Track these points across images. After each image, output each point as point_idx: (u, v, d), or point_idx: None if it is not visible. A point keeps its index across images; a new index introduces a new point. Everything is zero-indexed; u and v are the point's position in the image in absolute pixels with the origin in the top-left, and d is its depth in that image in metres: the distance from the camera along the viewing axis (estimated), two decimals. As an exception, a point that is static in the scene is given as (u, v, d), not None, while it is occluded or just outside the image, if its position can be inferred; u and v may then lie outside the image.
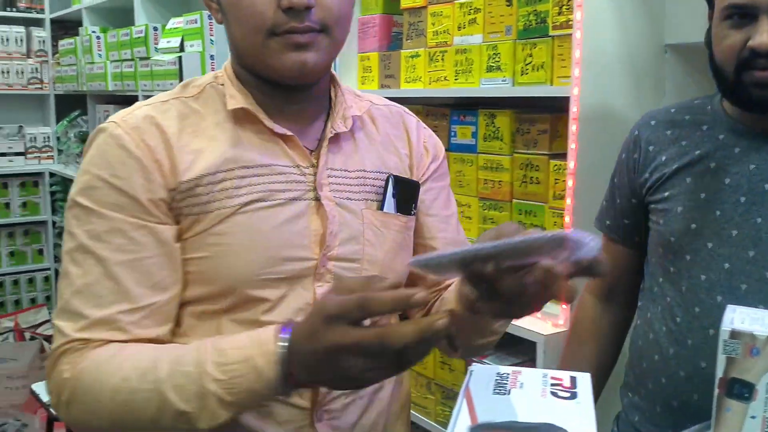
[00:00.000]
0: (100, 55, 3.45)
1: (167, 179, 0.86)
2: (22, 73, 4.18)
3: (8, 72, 4.14)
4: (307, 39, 0.84)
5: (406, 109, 1.09)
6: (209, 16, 2.49)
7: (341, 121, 0.95)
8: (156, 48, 2.93)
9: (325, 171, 0.93)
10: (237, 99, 0.90)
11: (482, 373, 0.69)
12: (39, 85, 4.24)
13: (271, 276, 0.88)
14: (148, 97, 3.29)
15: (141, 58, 3.03)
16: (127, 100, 3.57)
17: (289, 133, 0.91)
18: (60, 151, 4.27)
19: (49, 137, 4.30)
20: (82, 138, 3.87)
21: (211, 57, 2.53)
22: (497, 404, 0.62)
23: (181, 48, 2.67)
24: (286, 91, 0.91)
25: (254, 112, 0.90)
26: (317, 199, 0.92)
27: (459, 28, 1.79)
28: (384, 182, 0.98)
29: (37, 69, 4.22)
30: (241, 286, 0.87)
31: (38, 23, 4.29)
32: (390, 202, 0.97)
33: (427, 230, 1.04)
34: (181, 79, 2.64)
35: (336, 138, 0.95)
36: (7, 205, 4.19)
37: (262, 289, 0.88)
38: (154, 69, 2.89)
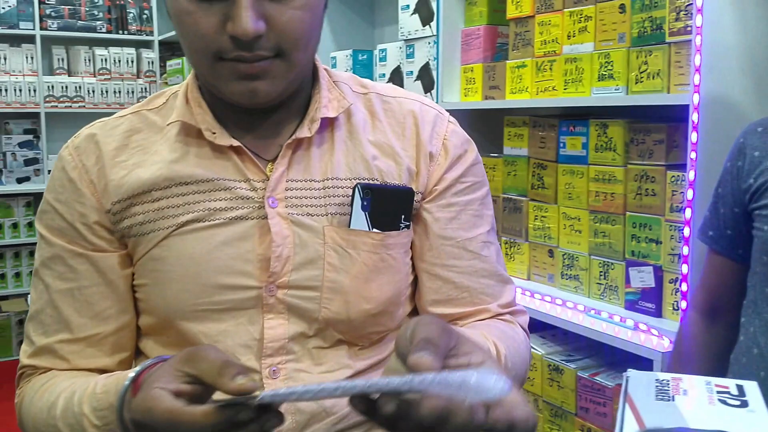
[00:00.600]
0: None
1: (101, 200, 0.81)
2: (132, 92, 4.40)
3: (120, 91, 4.36)
4: (257, 69, 0.73)
5: (428, 101, 0.92)
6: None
7: (308, 124, 0.82)
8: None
9: (282, 183, 0.81)
10: (178, 111, 0.82)
11: (639, 379, 0.66)
12: (147, 104, 4.45)
13: (208, 307, 0.79)
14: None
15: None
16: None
17: (235, 143, 0.80)
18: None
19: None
20: (187, 154, 4.03)
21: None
22: (663, 410, 0.59)
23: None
24: (242, 108, 0.81)
25: (195, 124, 0.81)
26: (265, 217, 0.80)
27: (568, 36, 1.75)
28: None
29: (145, 88, 4.44)
30: (176, 318, 0.80)
31: (148, 45, 4.51)
32: (359, 216, 0.82)
33: (436, 255, 0.86)
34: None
35: (299, 144, 0.82)
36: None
37: (200, 322, 0.79)
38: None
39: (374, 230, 0.82)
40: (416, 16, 2.20)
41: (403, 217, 0.84)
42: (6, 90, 4.02)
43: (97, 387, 0.72)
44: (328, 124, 0.84)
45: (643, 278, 1.59)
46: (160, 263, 0.80)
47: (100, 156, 0.82)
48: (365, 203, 0.82)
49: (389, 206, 0.83)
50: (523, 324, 0.91)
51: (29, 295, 0.85)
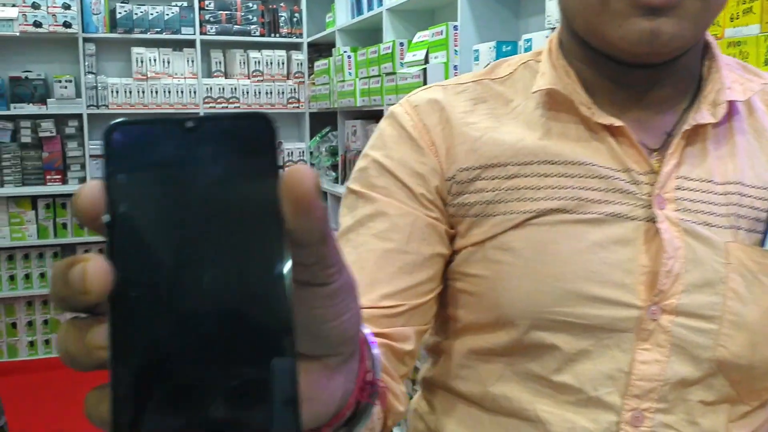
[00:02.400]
0: (350, 73, 3.66)
1: (443, 164, 0.70)
2: (283, 93, 4.58)
3: (271, 93, 4.56)
4: (663, 0, 0.58)
5: None
6: (455, 27, 2.52)
7: (708, 108, 0.66)
8: (402, 63, 3.03)
9: (672, 180, 0.66)
10: (546, 77, 0.69)
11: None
12: (296, 104, 4.62)
13: (569, 319, 0.65)
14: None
15: (387, 74, 3.16)
16: (373, 115, 3.74)
17: (617, 123, 0.66)
18: (312, 165, 4.60)
19: (303, 152, 4.66)
20: (332, 152, 4.13)
21: (455, 67, 2.55)
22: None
23: (426, 60, 2.73)
24: (627, 68, 0.67)
25: (567, 94, 0.68)
26: (652, 220, 0.65)
27: (731, 19, 1.61)
28: None
29: (295, 89, 4.60)
30: (521, 322, 0.66)
31: (297, 47, 4.67)
32: None
33: None
34: (425, 91, 2.70)
35: (696, 133, 0.67)
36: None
37: (553, 332, 0.65)
38: (399, 83, 2.99)
39: None
40: (562, 4, 2.11)
41: None
42: (169, 92, 4.32)
43: None
44: (729, 112, 0.68)
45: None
46: (510, 254, 0.66)
47: (445, 117, 0.71)
48: None
49: None
50: None
51: None
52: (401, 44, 3.08)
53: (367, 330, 0.48)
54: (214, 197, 0.32)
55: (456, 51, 2.54)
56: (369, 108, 3.46)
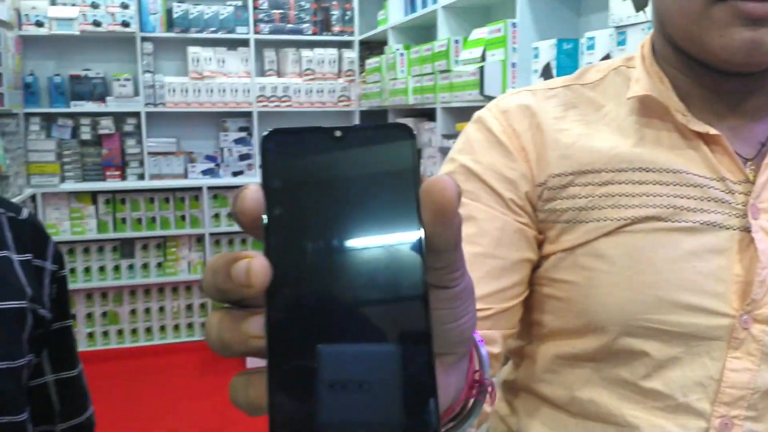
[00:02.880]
0: (402, 71, 3.67)
1: (534, 170, 0.71)
2: (333, 91, 4.62)
3: (322, 91, 4.60)
4: (765, 10, 0.58)
5: None
6: (513, 24, 2.51)
7: None
8: (457, 60, 3.03)
9: (767, 191, 0.66)
10: (641, 83, 0.69)
11: None
12: (347, 102, 4.66)
13: (660, 327, 0.65)
14: (446, 109, 3.36)
15: (441, 72, 3.16)
16: (425, 113, 3.75)
17: (712, 131, 0.66)
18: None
19: (353, 149, 4.69)
20: (383, 149, 4.15)
21: (513, 65, 2.54)
22: None
23: (483, 58, 2.73)
24: (723, 77, 0.66)
25: (662, 100, 0.68)
26: (746, 229, 0.65)
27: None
28: None
29: (345, 87, 4.64)
30: (613, 329, 0.67)
31: (348, 45, 4.71)
32: None
33: None
34: (481, 90, 2.70)
35: None
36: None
37: (644, 340, 0.66)
38: (454, 81, 2.99)
39: None
40: (629, 0, 2.09)
41: None
42: (224, 90, 4.40)
43: None
44: None
45: None
46: (602, 261, 0.67)
47: (536, 123, 0.72)
48: None
49: None
50: None
51: None
52: (456, 42, 3.08)
53: None
54: (361, 201, 0.34)
55: (514, 48, 2.53)
56: (421, 106, 3.47)
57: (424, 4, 3.50)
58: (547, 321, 0.73)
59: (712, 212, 0.66)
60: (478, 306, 0.67)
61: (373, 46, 4.64)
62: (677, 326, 0.65)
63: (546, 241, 0.71)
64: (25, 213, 0.92)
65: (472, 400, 0.46)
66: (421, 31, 3.89)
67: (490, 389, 0.49)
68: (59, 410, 0.95)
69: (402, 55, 3.68)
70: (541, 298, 0.73)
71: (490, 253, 0.70)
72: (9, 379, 0.83)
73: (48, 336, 0.92)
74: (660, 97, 0.68)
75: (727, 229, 0.65)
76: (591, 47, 2.23)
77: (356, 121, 4.68)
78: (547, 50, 2.35)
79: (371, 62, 4.24)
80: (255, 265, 0.31)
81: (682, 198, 0.66)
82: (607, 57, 2.16)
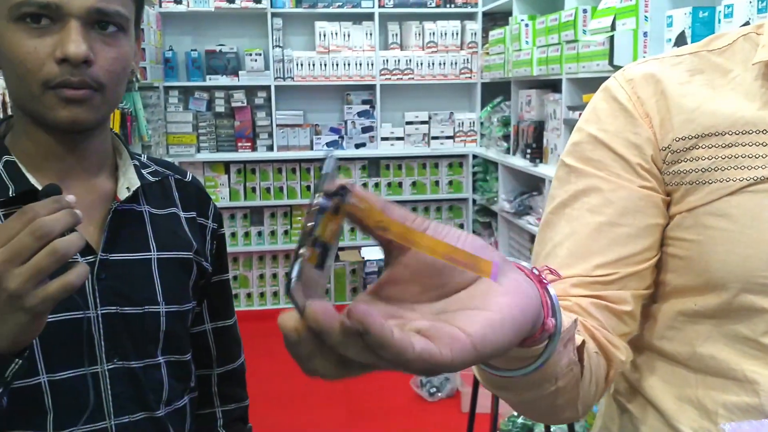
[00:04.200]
0: (527, 42, 3.62)
1: (658, 135, 0.73)
2: (455, 63, 4.62)
3: (444, 63, 4.61)
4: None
5: None
6: (645, -8, 2.42)
7: None
8: (584, 30, 2.96)
9: None
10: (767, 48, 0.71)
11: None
12: (468, 75, 4.64)
13: None
14: (572, 80, 3.28)
15: (567, 42, 3.09)
16: (549, 84, 3.68)
17: None
18: (482, 135, 4.62)
19: (473, 122, 4.68)
20: (504, 122, 4.12)
21: (644, 34, 2.45)
22: None
23: (612, 27, 2.65)
24: None
25: None
26: None
27: None
28: None
29: (467, 60, 4.62)
30: (734, 286, 0.68)
31: (471, 17, 4.68)
32: None
33: None
34: (611, 61, 2.63)
35: None
36: (437, 183, 4.69)
37: (763, 296, 0.67)
38: (581, 51, 2.92)
39: None
40: (772, -36, 1.96)
41: None
42: (348, 64, 4.50)
43: None
44: None
45: None
46: (724, 220, 0.69)
47: (660, 89, 0.74)
48: None
49: None
50: None
51: (537, 237, 0.80)
52: (584, 11, 3.00)
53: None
54: None
55: (646, 17, 2.44)
56: (546, 77, 3.41)
57: (551, -27, 3.42)
58: (670, 279, 0.75)
59: None
60: (605, 271, 0.72)
61: (496, 18, 4.59)
62: None
63: (671, 203, 0.74)
64: (189, 176, 1.02)
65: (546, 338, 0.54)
66: (547, 1, 3.81)
67: (561, 331, 0.54)
68: (215, 356, 1.05)
69: (527, 25, 3.62)
70: (664, 257, 0.75)
71: (614, 222, 0.73)
72: (177, 321, 0.93)
73: (208, 287, 1.01)
74: None
75: None
76: (729, 15, 2.12)
77: (478, 93, 4.66)
78: (681, 19, 2.25)
79: (494, 33, 4.20)
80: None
81: None
82: (746, 25, 2.04)
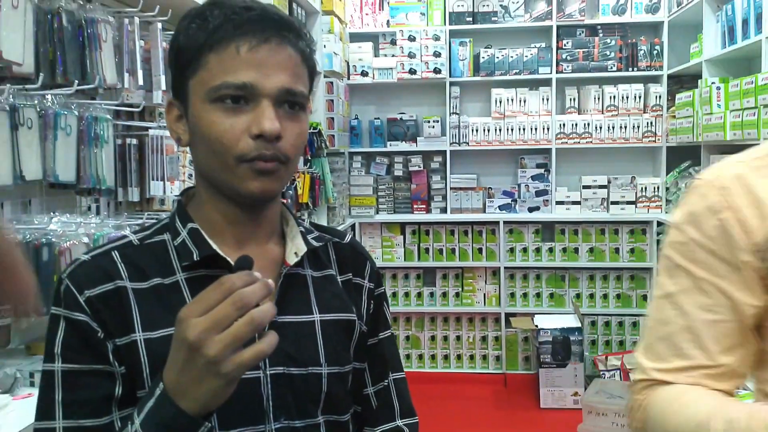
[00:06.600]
0: (718, 106, 3.44)
1: (752, 238, 0.84)
2: (638, 127, 4.47)
3: (624, 127, 4.48)
4: None
5: None
6: None
7: None
8: (786, 93, 2.76)
9: None
10: None
11: None
12: (652, 138, 4.47)
13: None
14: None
15: (765, 105, 2.90)
16: (743, 149, 3.45)
17: None
18: (668, 201, 4.40)
19: (658, 187, 4.48)
20: (692, 188, 3.90)
21: None
22: None
23: (820, 91, 2.46)
24: None
25: None
26: None
27: None
28: None
29: (651, 123, 4.46)
30: None
31: (655, 80, 4.53)
32: None
33: None
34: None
35: None
36: (617, 250, 4.51)
37: None
38: (782, 115, 2.73)
39: None
40: None
41: None
42: (523, 129, 4.51)
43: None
44: None
45: None
46: None
47: (753, 198, 0.86)
48: None
49: None
50: None
51: (651, 315, 0.95)
52: (784, 73, 2.81)
53: None
54: None
55: None
56: (741, 142, 3.21)
57: (746, 35, 3.25)
58: None
59: None
60: (721, 361, 0.89)
61: (683, 80, 4.41)
62: None
63: None
64: (348, 238, 1.06)
65: None
66: (740, 63, 3.61)
67: None
68: (398, 409, 1.04)
69: (719, 88, 3.45)
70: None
71: (723, 321, 0.88)
72: (338, 382, 0.95)
73: (367, 348, 1.02)
74: None
75: None
76: None
77: (663, 157, 4.46)
78: None
79: (682, 96, 4.03)
80: None
81: None
82: None
